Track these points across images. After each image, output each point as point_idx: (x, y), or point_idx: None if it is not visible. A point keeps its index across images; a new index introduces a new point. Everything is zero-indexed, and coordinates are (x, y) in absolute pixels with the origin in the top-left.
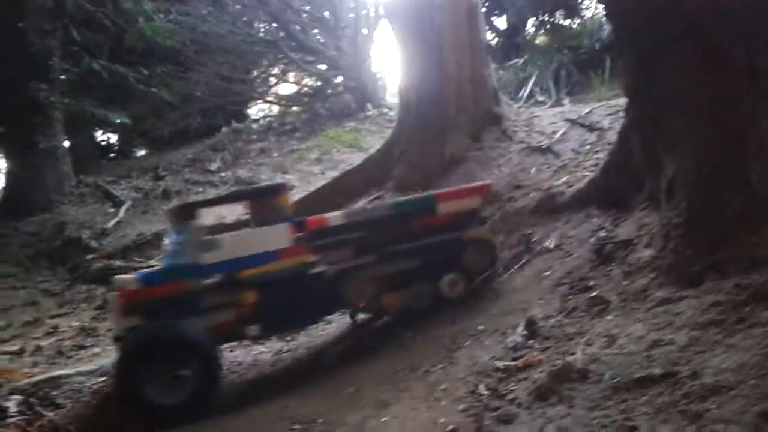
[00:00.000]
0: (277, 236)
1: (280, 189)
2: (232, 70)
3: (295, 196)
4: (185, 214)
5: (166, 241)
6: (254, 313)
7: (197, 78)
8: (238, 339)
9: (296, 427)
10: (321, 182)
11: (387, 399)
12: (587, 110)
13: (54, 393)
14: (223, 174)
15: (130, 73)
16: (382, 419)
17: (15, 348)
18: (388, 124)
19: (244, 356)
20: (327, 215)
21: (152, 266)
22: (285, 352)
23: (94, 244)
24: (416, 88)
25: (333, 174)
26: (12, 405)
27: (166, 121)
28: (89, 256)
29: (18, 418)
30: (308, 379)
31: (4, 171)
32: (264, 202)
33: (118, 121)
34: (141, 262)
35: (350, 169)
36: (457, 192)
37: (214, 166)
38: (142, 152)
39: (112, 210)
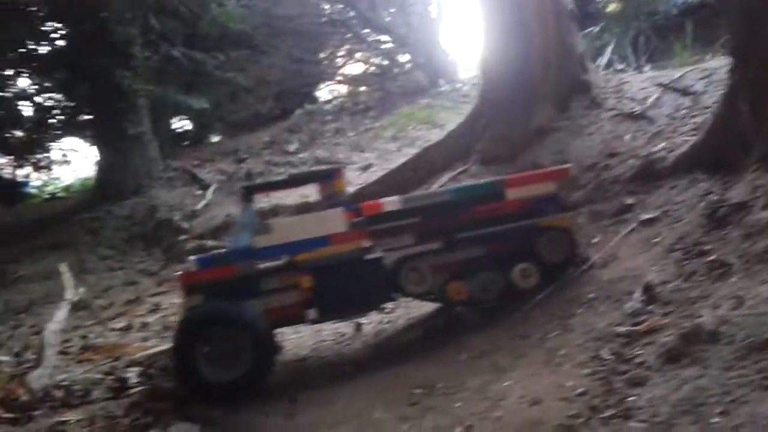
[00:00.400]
0: (332, 221)
1: (336, 173)
2: (303, 53)
3: (375, 174)
4: (245, 196)
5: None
6: (311, 297)
7: (270, 61)
8: (298, 322)
9: (417, 391)
10: (399, 160)
11: (505, 365)
12: (678, 74)
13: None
14: (301, 155)
15: (207, 58)
16: (504, 384)
17: (121, 325)
18: (462, 99)
19: (345, 328)
20: (383, 200)
21: None
22: (386, 323)
23: (185, 225)
24: (499, 59)
25: (410, 151)
26: (132, 376)
27: (241, 106)
28: (182, 237)
29: (139, 388)
30: (418, 347)
31: (95, 158)
32: (322, 186)
33: (198, 106)
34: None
35: (431, 145)
36: (529, 177)
37: (292, 148)
38: (216, 137)
39: (199, 192)
